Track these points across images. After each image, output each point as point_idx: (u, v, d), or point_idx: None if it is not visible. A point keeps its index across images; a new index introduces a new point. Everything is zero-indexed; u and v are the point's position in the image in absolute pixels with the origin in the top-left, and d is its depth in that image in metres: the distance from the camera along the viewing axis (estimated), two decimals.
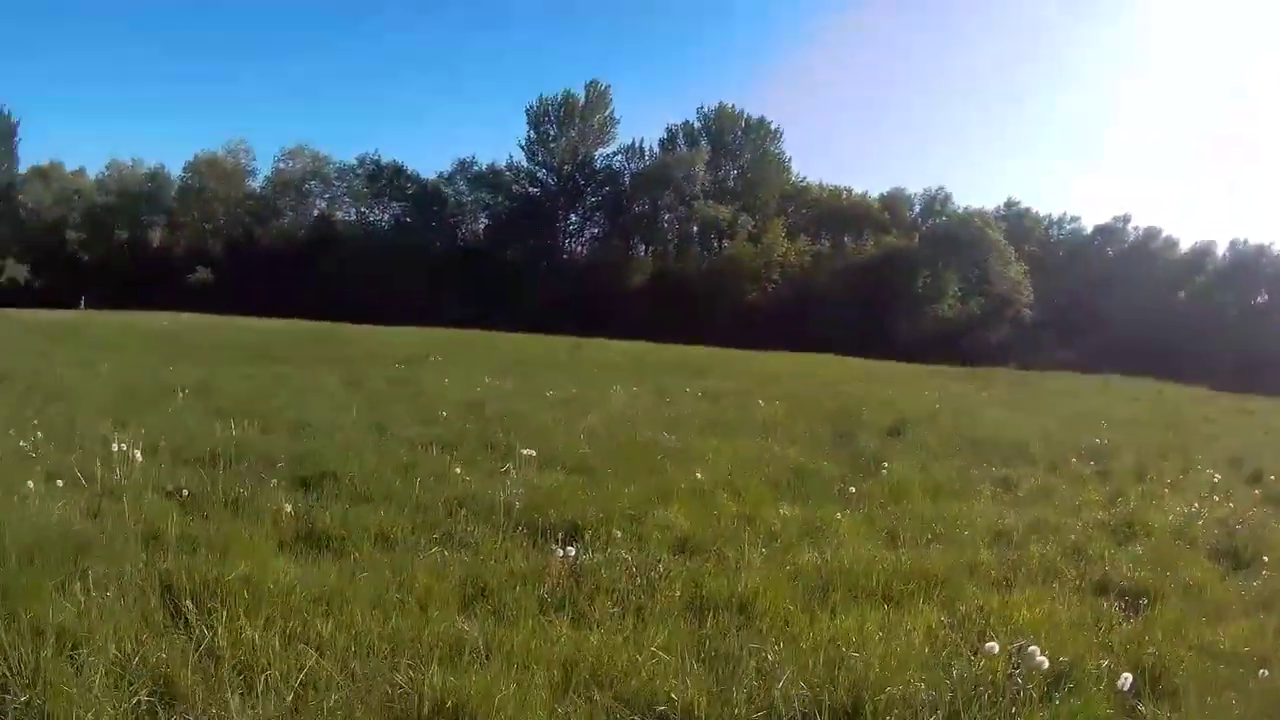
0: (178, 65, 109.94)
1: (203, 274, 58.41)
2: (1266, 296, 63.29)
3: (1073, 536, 6.63)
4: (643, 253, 66.72)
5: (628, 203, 65.65)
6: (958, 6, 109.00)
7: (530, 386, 14.47)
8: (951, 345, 56.50)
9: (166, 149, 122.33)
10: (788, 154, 68.27)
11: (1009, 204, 71.14)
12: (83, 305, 40.60)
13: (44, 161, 64.46)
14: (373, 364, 17.81)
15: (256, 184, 66.60)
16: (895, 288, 61.95)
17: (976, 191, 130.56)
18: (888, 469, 8.60)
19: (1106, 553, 6.15)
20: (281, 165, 65.62)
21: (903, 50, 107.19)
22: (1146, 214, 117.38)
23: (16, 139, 64.82)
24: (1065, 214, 72.47)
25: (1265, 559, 6.22)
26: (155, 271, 57.73)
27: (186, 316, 34.58)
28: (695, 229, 65.84)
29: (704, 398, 14.39)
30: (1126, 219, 69.76)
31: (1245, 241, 65.28)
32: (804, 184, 68.57)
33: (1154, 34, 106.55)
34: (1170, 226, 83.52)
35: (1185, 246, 67.74)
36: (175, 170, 65.28)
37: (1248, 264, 64.20)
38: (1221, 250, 66.32)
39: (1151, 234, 68.76)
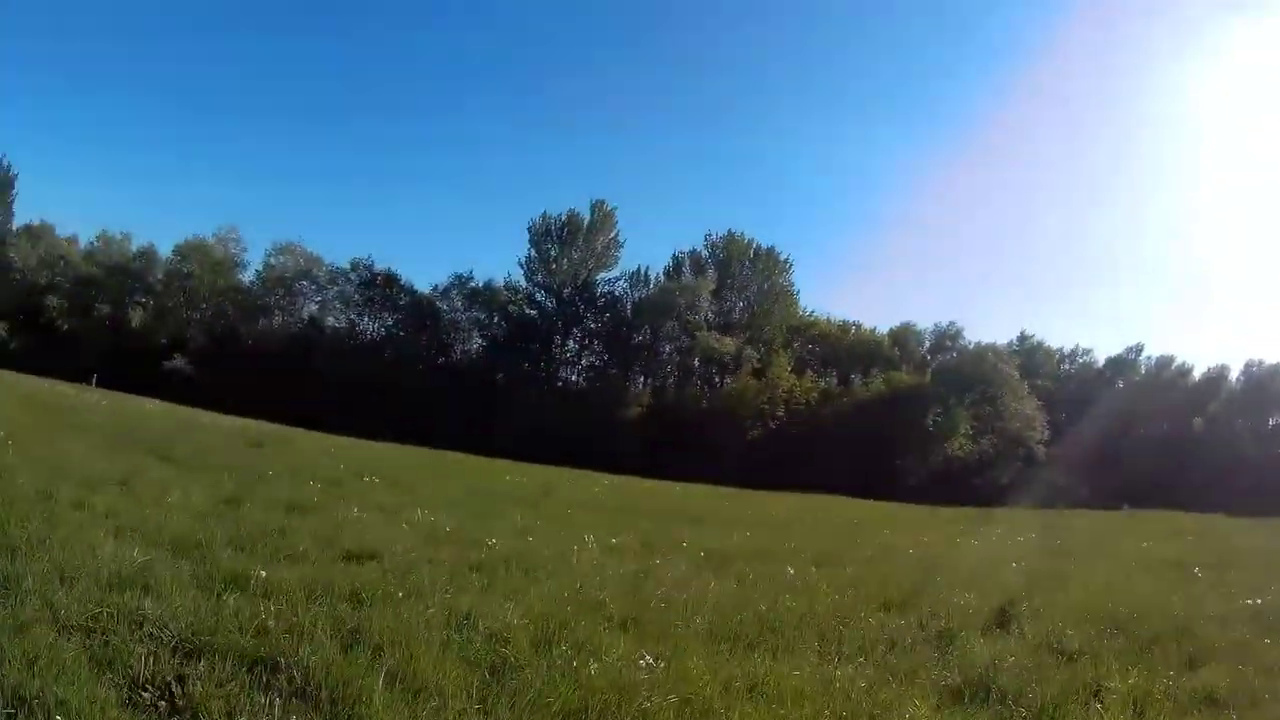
0: (177, 141, 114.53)
1: (180, 363, 56.38)
2: None
3: None
4: (641, 383, 63.50)
5: (628, 331, 63.12)
6: (967, 143, 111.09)
7: (476, 529, 10.58)
8: (962, 484, 54.34)
9: (160, 226, 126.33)
10: (796, 286, 66.36)
11: (1022, 338, 70.22)
12: (94, 383, 38.36)
13: (36, 220, 64.34)
14: (291, 479, 13.77)
15: (245, 276, 65.01)
16: (905, 425, 59.52)
17: (989, 325, 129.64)
18: None
19: None
20: (272, 261, 64.10)
21: (912, 184, 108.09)
22: (1160, 339, 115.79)
23: (14, 192, 65.12)
24: (1077, 346, 71.64)
25: None
26: (132, 352, 56.03)
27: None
28: (697, 361, 62.96)
29: (708, 561, 10.30)
30: (1139, 349, 69.11)
31: (1261, 363, 64.52)
32: (812, 318, 66.49)
33: (1160, 156, 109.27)
34: (1185, 350, 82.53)
35: (1199, 373, 66.82)
36: (165, 249, 64.00)
37: (1263, 385, 63.43)
38: (1235, 374, 65.57)
39: (1164, 363, 67.99)
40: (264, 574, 6.00)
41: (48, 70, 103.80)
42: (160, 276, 62.76)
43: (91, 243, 64.37)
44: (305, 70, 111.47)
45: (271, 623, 5.01)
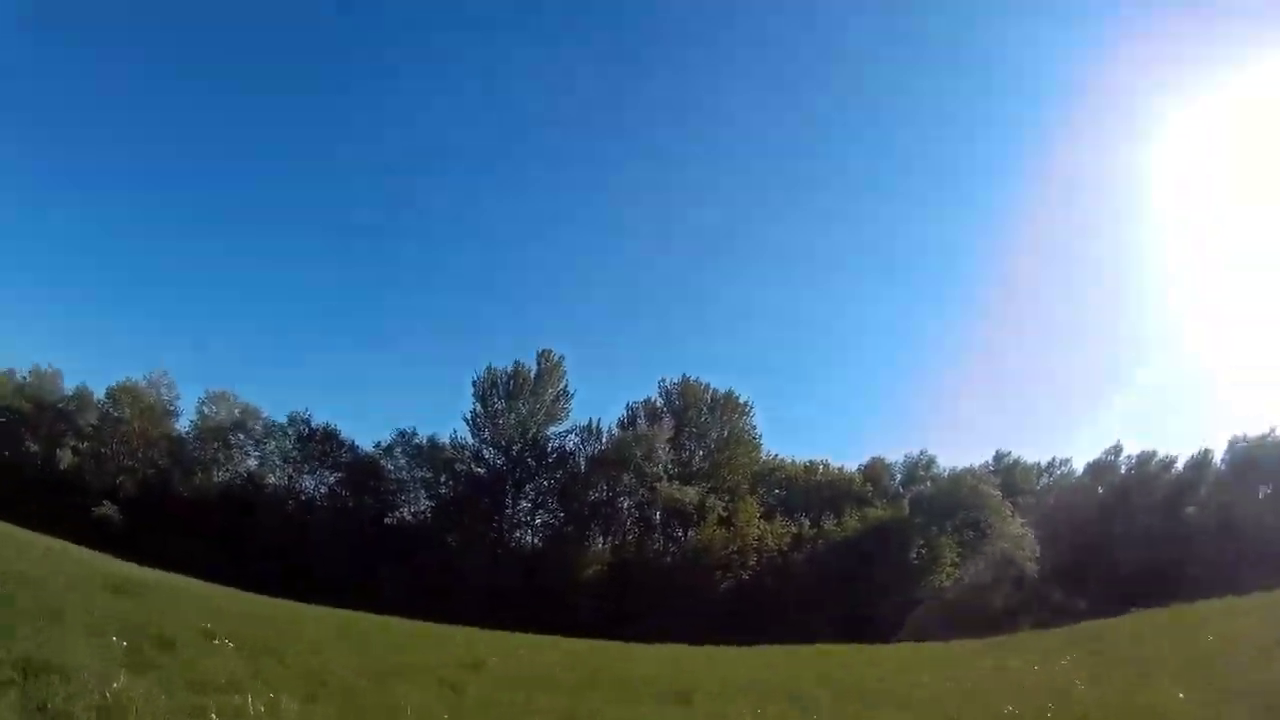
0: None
1: (109, 509, 53.35)
2: (1270, 488, 61.40)
3: None
4: (601, 541, 59.52)
5: (583, 487, 59.56)
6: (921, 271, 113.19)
7: None
8: (955, 616, 50.16)
9: (89, 363, 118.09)
10: (758, 429, 63.99)
11: (998, 456, 68.60)
12: None
13: None
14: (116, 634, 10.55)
15: (179, 424, 62.29)
16: (886, 562, 56.53)
17: (961, 449, 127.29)
18: None
19: None
20: (205, 410, 61.45)
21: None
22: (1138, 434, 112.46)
23: None
24: (1054, 458, 69.77)
25: None
26: (60, 495, 53.64)
27: None
28: (658, 514, 59.53)
29: None
30: (1118, 450, 67.60)
31: (1244, 436, 63.41)
32: (777, 460, 64.05)
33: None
34: (1166, 442, 79.23)
35: (1183, 462, 65.03)
36: (97, 391, 61.54)
37: (1251, 459, 62.15)
38: (1219, 456, 64.14)
39: (1144, 459, 66.19)
40: None
41: None
42: (92, 420, 60.16)
43: (24, 376, 61.72)
44: (232, 209, 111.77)
45: None
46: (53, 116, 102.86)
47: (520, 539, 60.13)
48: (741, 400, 63.35)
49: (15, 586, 13.18)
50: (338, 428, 62.01)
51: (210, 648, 11.72)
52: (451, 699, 10.94)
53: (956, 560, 57.48)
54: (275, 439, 61.33)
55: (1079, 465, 69.07)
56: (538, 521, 61.05)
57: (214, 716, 7.60)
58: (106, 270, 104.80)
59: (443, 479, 60.01)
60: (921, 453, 68.25)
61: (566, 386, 62.20)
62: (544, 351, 62.27)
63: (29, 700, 6.72)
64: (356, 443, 61.98)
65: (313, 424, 61.41)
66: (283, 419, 61.62)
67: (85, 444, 59.24)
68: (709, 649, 27.83)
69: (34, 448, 58.55)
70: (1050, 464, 69.44)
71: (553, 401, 61.59)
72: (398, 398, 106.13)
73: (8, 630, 9.28)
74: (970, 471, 63.15)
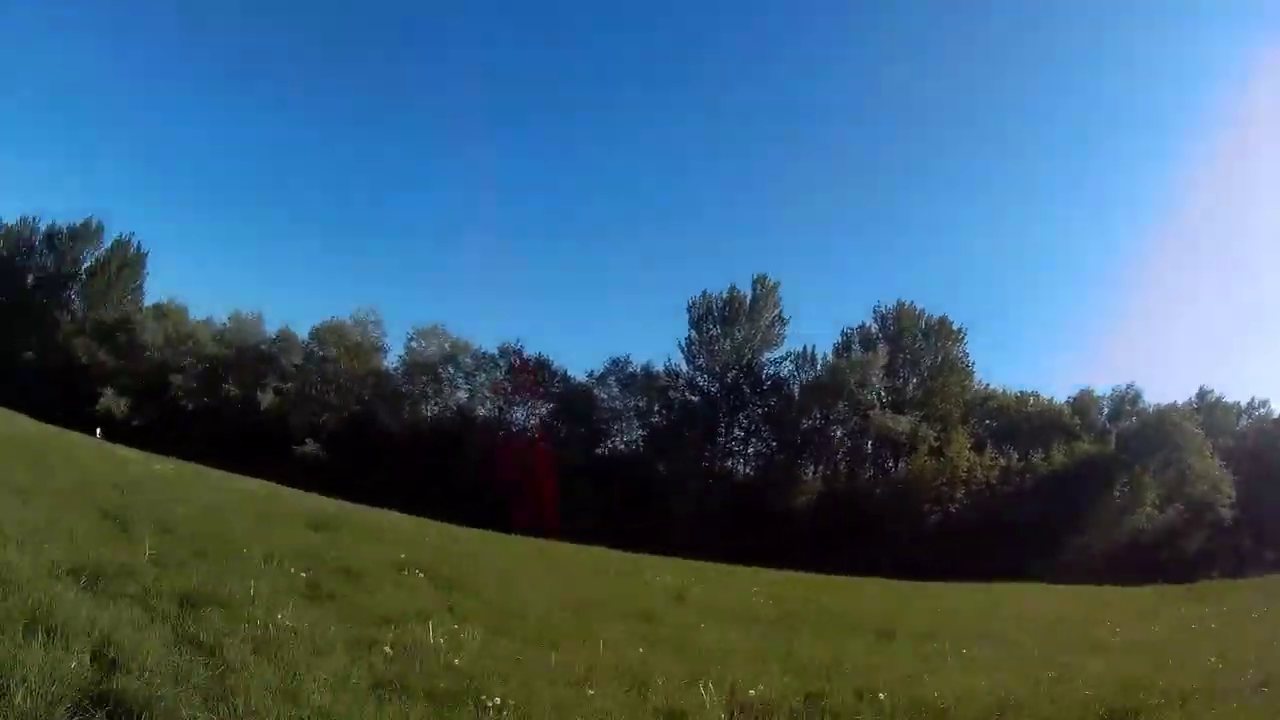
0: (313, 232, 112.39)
1: (312, 447, 54.25)
2: None
3: None
4: (811, 471, 59.44)
5: (797, 414, 58.31)
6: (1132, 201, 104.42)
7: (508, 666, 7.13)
8: (1148, 559, 50.66)
9: (294, 307, 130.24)
10: (970, 357, 61.41)
11: (1201, 394, 65.71)
12: (98, 435, 37.46)
13: (165, 299, 65.47)
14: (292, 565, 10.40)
15: (387, 362, 61.89)
16: (1090, 499, 56.03)
17: (1168, 385, 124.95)
18: None
19: None
20: (414, 345, 60.17)
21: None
22: None
23: (144, 271, 66.42)
24: (1253, 398, 66.98)
25: None
26: (261, 434, 54.93)
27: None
28: (870, 443, 59.02)
29: None
30: None
31: None
32: (988, 390, 61.85)
33: None
34: None
35: None
36: (302, 332, 61.72)
37: None
38: None
39: None
40: None
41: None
42: (296, 360, 59.82)
43: (224, 323, 62.37)
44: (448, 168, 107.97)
45: None
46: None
47: (732, 467, 59.79)
48: (955, 327, 60.37)
49: (198, 523, 12.74)
50: (549, 358, 60.41)
51: (399, 579, 11.38)
52: (647, 630, 10.58)
53: (1156, 501, 57.34)
54: (486, 371, 59.94)
55: (1277, 408, 66.50)
56: (750, 451, 60.49)
57: (387, 649, 7.11)
58: (303, 214, 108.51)
59: (656, 407, 58.88)
60: (1129, 386, 65.41)
61: (781, 312, 59.69)
62: (759, 276, 59.32)
63: (179, 633, 6.45)
64: (569, 372, 60.71)
65: (524, 355, 59.71)
66: (493, 350, 59.94)
67: (289, 385, 58.64)
68: (913, 584, 28.59)
69: (234, 391, 57.97)
70: (1250, 404, 66.96)
71: (768, 327, 59.12)
72: (605, 328, 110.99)
73: (180, 565, 9.03)
74: (1174, 408, 61.20)
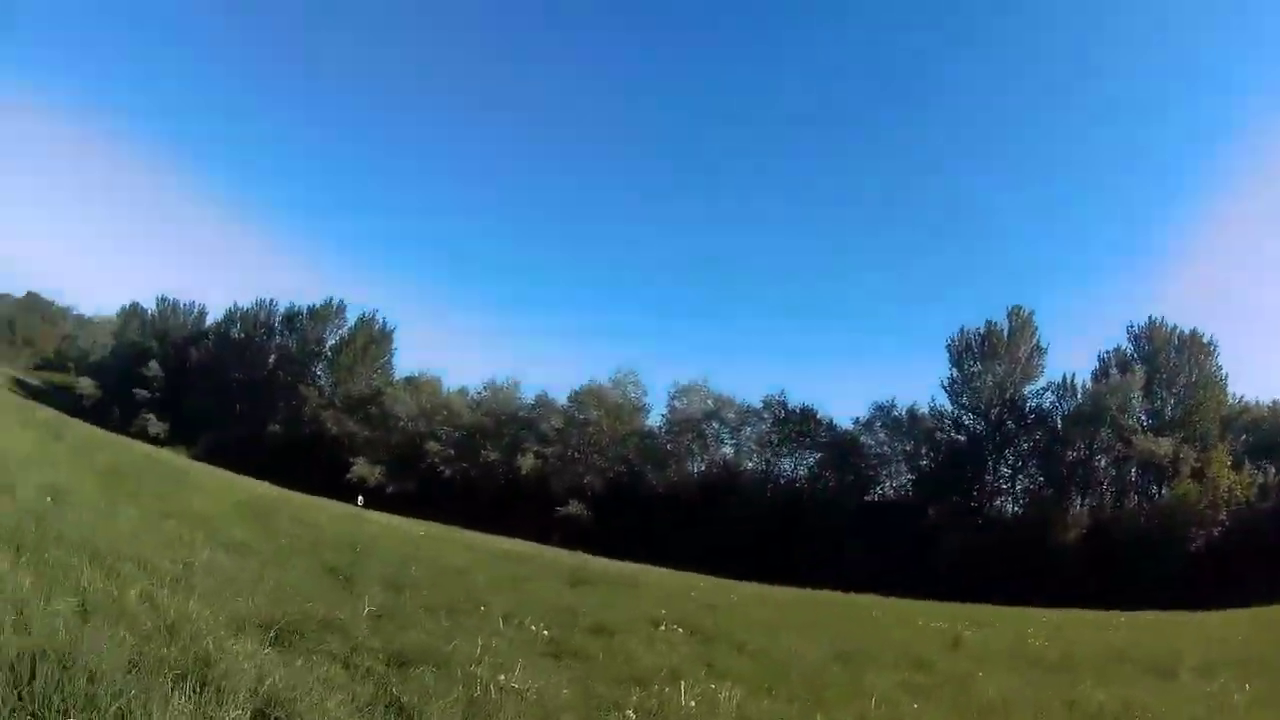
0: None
1: (576, 507, 55.17)
2: None
3: None
4: (1078, 504, 58.77)
5: (1062, 447, 57.65)
6: None
7: None
8: None
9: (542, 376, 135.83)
10: (1224, 370, 59.94)
11: None
12: (360, 503, 39.97)
13: (416, 373, 68.33)
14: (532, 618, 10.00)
15: (649, 421, 63.09)
16: None
17: None
18: None
19: None
20: (676, 404, 61.17)
21: None
22: None
23: (393, 346, 69.97)
24: None
25: None
26: (522, 498, 56.90)
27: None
28: (1133, 470, 58.97)
29: None
30: None
31: None
32: (1242, 404, 60.68)
33: None
34: None
35: None
36: (559, 398, 63.78)
37: None
38: None
39: None
40: None
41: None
42: (556, 424, 61.08)
43: (479, 392, 65.31)
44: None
45: None
46: None
47: (1001, 506, 59.13)
48: (1206, 340, 59.83)
49: (438, 580, 12.30)
50: (814, 407, 60.83)
51: (655, 634, 10.75)
52: (922, 680, 10.09)
53: None
54: (750, 424, 60.32)
55: None
56: (1018, 488, 59.51)
57: (630, 712, 6.56)
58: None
59: (924, 450, 58.74)
60: None
61: (1039, 342, 58.87)
62: (1014, 308, 58.48)
63: (379, 694, 5.85)
64: (834, 420, 60.90)
65: (789, 405, 60.09)
66: (757, 404, 60.43)
67: (550, 448, 59.91)
68: (1184, 614, 27.16)
69: (494, 456, 59.67)
70: None
71: (1027, 359, 58.58)
72: (862, 371, 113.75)
73: (403, 623, 8.37)
74: None
